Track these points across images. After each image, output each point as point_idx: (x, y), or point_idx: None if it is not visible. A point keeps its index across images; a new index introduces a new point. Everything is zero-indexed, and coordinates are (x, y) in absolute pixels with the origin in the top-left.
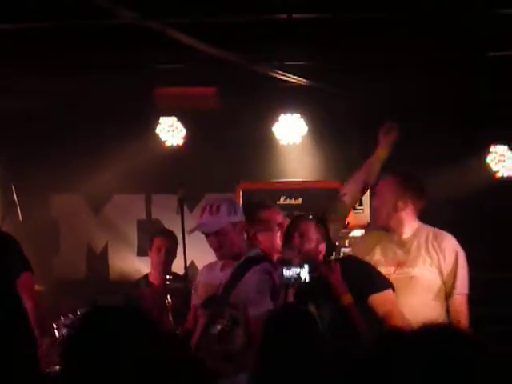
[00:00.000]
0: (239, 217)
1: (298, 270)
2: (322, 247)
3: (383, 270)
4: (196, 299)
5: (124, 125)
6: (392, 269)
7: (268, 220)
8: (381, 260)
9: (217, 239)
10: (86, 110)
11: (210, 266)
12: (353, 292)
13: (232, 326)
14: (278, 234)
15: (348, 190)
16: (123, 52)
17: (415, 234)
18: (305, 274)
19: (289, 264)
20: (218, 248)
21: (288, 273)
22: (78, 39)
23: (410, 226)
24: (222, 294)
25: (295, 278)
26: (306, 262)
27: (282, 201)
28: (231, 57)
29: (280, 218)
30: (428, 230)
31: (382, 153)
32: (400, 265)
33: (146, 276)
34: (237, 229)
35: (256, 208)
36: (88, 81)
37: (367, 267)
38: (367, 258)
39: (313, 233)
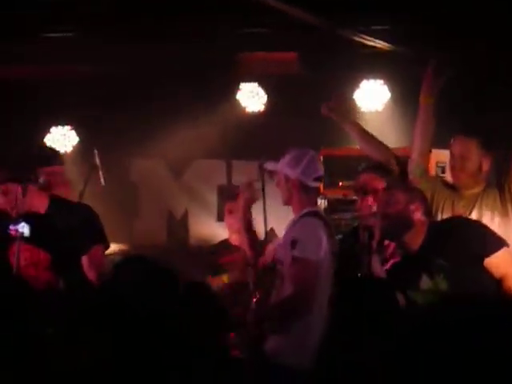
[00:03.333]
0: (295, 173)
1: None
2: (415, 207)
3: None
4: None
5: (206, 90)
6: None
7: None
8: None
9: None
10: (169, 76)
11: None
12: (467, 256)
13: (281, 283)
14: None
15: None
16: (206, 16)
17: None
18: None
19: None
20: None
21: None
22: (161, 3)
23: None
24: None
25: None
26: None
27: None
28: (315, 21)
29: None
30: None
31: (429, 100)
32: None
33: (226, 240)
34: (289, 184)
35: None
36: (171, 46)
37: (479, 228)
38: None
39: (399, 194)
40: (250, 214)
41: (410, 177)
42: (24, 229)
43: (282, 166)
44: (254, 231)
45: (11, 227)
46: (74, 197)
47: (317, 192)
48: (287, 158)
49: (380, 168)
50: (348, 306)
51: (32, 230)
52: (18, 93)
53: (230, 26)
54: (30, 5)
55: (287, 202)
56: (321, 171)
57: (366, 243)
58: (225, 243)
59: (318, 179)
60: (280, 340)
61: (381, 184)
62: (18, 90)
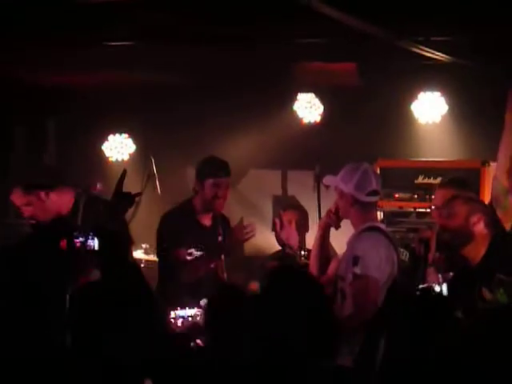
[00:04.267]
0: (348, 188)
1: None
2: (477, 219)
3: None
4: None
5: (263, 100)
6: None
7: None
8: None
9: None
10: (224, 85)
11: None
12: None
13: (342, 299)
14: None
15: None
16: (263, 25)
17: None
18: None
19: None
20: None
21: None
22: (220, 12)
23: None
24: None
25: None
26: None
27: (420, 180)
28: (373, 31)
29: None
30: None
31: None
32: None
33: (282, 250)
34: (343, 199)
35: None
36: (227, 55)
37: None
38: None
39: (459, 206)
40: (328, 237)
41: (493, 194)
42: (93, 242)
43: (337, 181)
44: (328, 254)
45: (76, 239)
46: None
47: (374, 206)
48: (342, 173)
49: (460, 182)
50: (404, 321)
51: None
52: (75, 101)
53: (287, 35)
54: (90, 13)
55: (345, 216)
56: (374, 185)
57: (422, 256)
58: (280, 254)
59: (371, 194)
60: (342, 359)
61: None
62: (75, 98)
